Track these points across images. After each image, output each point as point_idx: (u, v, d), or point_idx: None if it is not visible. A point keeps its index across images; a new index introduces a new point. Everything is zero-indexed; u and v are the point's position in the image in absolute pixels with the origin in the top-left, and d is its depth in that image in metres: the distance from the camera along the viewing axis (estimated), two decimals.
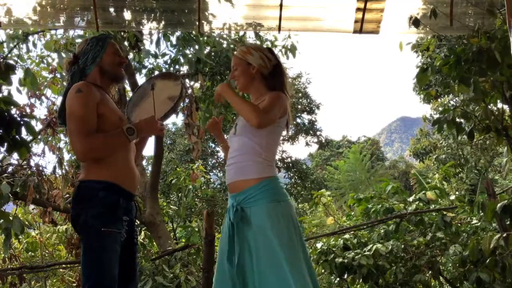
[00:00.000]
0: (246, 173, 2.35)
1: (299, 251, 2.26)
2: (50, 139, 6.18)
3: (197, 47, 6.26)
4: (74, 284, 7.34)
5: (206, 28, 4.44)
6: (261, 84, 2.50)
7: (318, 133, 21.54)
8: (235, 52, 2.62)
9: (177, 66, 6.64)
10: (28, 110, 5.52)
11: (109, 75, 2.46)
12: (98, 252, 2.19)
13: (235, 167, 2.40)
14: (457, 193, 9.90)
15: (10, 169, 5.05)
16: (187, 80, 6.61)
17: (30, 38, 6.20)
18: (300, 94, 20.43)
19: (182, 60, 6.45)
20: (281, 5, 4.11)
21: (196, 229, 7.60)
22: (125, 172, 2.35)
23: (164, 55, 6.49)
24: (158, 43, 6.08)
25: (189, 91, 6.54)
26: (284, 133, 2.57)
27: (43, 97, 6.20)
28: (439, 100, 11.99)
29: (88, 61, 2.42)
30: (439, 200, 5.47)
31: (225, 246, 2.35)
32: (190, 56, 6.30)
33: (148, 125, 2.40)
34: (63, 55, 5.90)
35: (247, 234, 2.28)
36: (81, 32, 5.92)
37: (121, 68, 2.52)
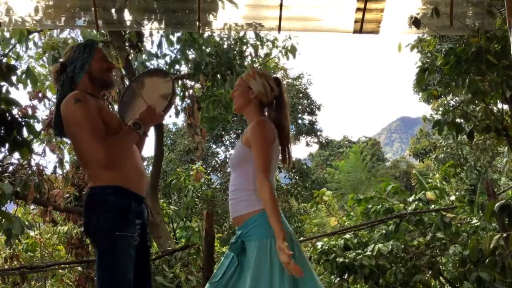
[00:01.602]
0: (239, 210, 2.41)
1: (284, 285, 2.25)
2: (53, 140, 6.17)
3: (200, 48, 6.27)
4: (74, 286, 7.34)
5: (206, 28, 4.45)
6: (257, 110, 2.52)
7: (318, 133, 21.55)
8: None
9: (177, 67, 6.65)
10: (30, 112, 5.50)
11: (99, 81, 2.43)
12: (113, 257, 2.19)
13: (231, 204, 2.47)
14: (457, 193, 9.89)
15: (10, 168, 5.05)
16: (187, 81, 6.62)
17: (31, 36, 6.20)
18: (301, 95, 20.42)
19: (182, 61, 6.46)
20: (281, 5, 4.11)
21: (196, 229, 7.60)
22: (133, 175, 2.34)
23: (165, 55, 6.50)
24: (160, 45, 6.09)
25: (191, 91, 6.54)
26: (282, 164, 2.56)
27: (44, 99, 6.19)
28: (439, 100, 11.98)
29: (76, 69, 2.38)
30: (439, 200, 5.47)
31: (223, 268, 2.40)
32: (191, 57, 6.31)
33: (148, 115, 2.39)
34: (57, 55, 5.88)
35: (245, 266, 2.34)
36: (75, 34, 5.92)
37: (110, 73, 2.49)
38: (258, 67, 2.72)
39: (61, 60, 2.50)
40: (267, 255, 2.28)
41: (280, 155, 2.55)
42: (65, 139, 6.36)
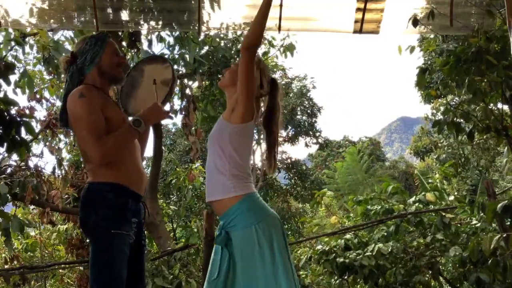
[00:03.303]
0: (214, 194, 2.35)
1: (281, 270, 2.23)
2: (49, 139, 6.17)
3: (190, 48, 6.26)
4: (74, 286, 7.34)
5: (204, 28, 4.43)
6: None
7: (317, 134, 21.50)
8: None
9: (175, 66, 6.64)
10: (28, 113, 5.49)
11: (108, 76, 2.41)
12: (107, 254, 2.18)
13: (206, 185, 2.42)
14: (456, 193, 9.89)
15: (9, 170, 5.04)
16: (185, 80, 6.61)
17: (27, 39, 6.18)
18: (303, 98, 20.36)
19: (180, 61, 6.45)
20: (281, 5, 4.10)
21: (196, 229, 7.60)
22: (132, 173, 2.33)
23: (162, 55, 6.49)
24: (150, 44, 6.07)
25: (188, 91, 6.53)
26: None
27: (42, 100, 6.18)
28: (439, 100, 11.95)
29: (86, 61, 2.37)
30: (439, 201, 5.46)
31: (217, 264, 2.34)
32: (187, 56, 6.30)
33: (153, 112, 2.37)
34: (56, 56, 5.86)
35: (235, 256, 2.30)
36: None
37: (120, 68, 2.47)
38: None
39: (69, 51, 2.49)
40: (254, 243, 2.23)
41: (266, 159, 2.50)
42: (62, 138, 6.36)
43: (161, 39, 6.17)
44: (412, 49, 4.68)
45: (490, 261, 3.75)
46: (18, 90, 5.73)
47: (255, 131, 2.55)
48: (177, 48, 6.33)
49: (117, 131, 2.27)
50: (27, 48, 6.26)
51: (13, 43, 5.76)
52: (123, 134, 2.28)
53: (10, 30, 5.54)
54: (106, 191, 2.23)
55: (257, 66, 2.46)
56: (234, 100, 2.38)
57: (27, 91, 5.73)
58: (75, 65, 2.38)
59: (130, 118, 2.45)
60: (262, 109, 2.57)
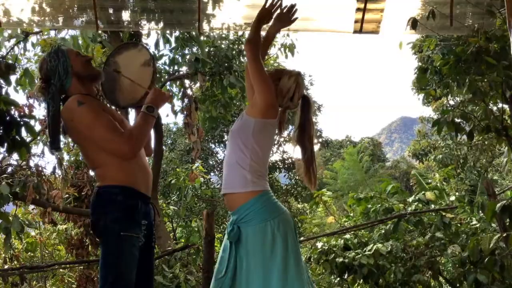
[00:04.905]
0: (231, 187, 2.36)
1: (292, 267, 2.24)
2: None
3: (195, 48, 6.27)
4: (74, 286, 7.34)
5: (205, 28, 4.44)
6: None
7: (318, 134, 21.48)
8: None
9: (176, 67, 6.64)
10: (26, 111, 5.49)
11: (87, 77, 2.39)
12: (117, 256, 2.19)
13: (224, 178, 2.42)
14: (456, 193, 9.89)
15: (9, 169, 5.05)
16: (186, 80, 6.62)
17: (29, 38, 6.19)
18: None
19: (181, 61, 6.46)
20: (280, 5, 4.10)
21: (196, 229, 7.60)
22: (140, 174, 2.33)
23: (162, 56, 6.50)
24: (157, 45, 6.08)
25: (189, 91, 6.55)
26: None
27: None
28: (438, 101, 11.96)
29: (62, 76, 2.32)
30: (439, 200, 5.46)
31: (225, 262, 2.34)
32: (189, 56, 6.31)
33: (156, 95, 2.35)
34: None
35: (243, 254, 2.29)
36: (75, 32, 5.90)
37: (91, 65, 2.45)
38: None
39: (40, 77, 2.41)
40: (266, 239, 2.24)
41: (304, 175, 2.51)
42: (62, 138, 6.36)
43: (165, 39, 6.18)
44: (414, 46, 4.70)
45: (487, 260, 3.76)
46: (19, 88, 5.73)
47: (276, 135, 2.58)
48: (177, 47, 6.33)
49: (135, 123, 2.29)
50: (28, 46, 6.28)
51: (13, 41, 5.76)
52: (142, 123, 2.28)
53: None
54: (115, 194, 2.24)
55: (294, 78, 2.49)
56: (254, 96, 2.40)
57: (27, 88, 5.73)
58: (53, 86, 2.33)
59: (130, 110, 2.44)
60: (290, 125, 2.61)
